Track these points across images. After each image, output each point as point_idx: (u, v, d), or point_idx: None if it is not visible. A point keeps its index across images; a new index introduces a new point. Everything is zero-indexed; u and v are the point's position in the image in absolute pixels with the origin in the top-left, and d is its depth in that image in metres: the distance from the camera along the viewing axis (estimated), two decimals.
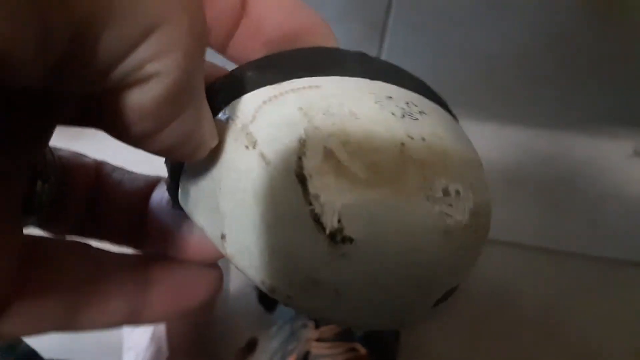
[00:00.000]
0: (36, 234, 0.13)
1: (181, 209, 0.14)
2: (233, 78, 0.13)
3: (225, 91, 0.13)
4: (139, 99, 0.10)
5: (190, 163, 0.14)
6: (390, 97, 0.13)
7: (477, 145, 0.15)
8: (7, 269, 0.12)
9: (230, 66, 0.14)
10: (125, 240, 0.17)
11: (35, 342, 0.46)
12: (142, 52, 0.09)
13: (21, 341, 0.45)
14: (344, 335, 0.45)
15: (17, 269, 0.12)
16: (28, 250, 0.12)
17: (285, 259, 0.12)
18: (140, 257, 0.16)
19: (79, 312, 0.13)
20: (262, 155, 0.12)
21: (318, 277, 0.12)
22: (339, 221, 0.11)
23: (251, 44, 0.14)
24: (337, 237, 0.11)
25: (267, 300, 0.53)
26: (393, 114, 0.12)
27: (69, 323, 0.13)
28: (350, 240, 0.11)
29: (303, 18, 0.14)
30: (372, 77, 0.13)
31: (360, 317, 0.13)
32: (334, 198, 0.11)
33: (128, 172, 0.17)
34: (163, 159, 0.14)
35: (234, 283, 0.57)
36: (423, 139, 0.12)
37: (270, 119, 0.12)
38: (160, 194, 0.16)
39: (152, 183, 0.17)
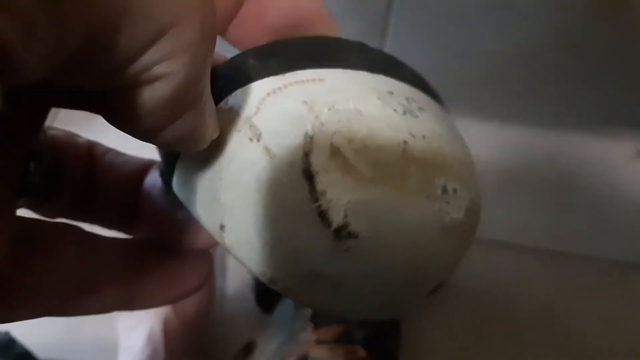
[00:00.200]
0: (29, 217, 0.13)
1: (175, 195, 0.14)
2: (235, 65, 0.13)
3: (227, 79, 0.13)
4: (146, 98, 0.09)
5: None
6: (392, 93, 0.13)
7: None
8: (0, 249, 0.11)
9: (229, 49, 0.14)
10: (117, 224, 0.16)
11: (30, 342, 0.46)
12: (152, 54, 0.09)
13: (16, 342, 0.45)
14: (344, 338, 0.44)
15: (10, 250, 0.12)
16: (21, 232, 0.12)
17: (288, 252, 0.12)
18: (132, 242, 0.15)
19: (71, 297, 0.13)
20: (267, 149, 0.12)
21: (320, 270, 0.12)
22: (345, 217, 0.12)
23: (252, 29, 0.14)
24: (342, 233, 0.12)
25: (265, 302, 0.53)
26: (395, 110, 0.13)
27: (61, 308, 0.13)
28: (355, 235, 0.12)
29: (308, 7, 0.14)
30: (373, 69, 0.14)
31: (357, 308, 0.14)
32: (340, 195, 0.11)
33: (121, 154, 0.17)
34: None
35: (232, 284, 0.56)
36: (423, 137, 0.13)
37: (275, 112, 0.12)
38: (154, 178, 0.16)
39: (145, 166, 0.16)
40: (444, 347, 0.53)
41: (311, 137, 0.12)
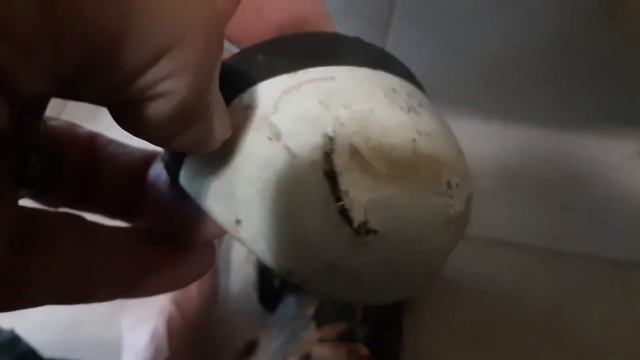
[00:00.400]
0: (30, 207, 0.13)
1: (181, 189, 0.14)
2: (243, 61, 0.14)
3: (237, 75, 0.13)
4: (151, 113, 0.10)
5: None
6: (394, 90, 0.14)
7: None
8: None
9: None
10: (120, 214, 0.16)
11: (35, 339, 0.46)
12: (153, 73, 0.09)
13: (20, 340, 0.45)
14: (346, 336, 0.44)
15: (11, 239, 0.12)
16: (21, 224, 0.12)
17: (306, 247, 0.13)
18: (134, 231, 0.16)
19: (72, 285, 0.13)
20: (287, 148, 0.12)
21: (338, 263, 0.13)
22: (365, 215, 0.12)
23: (250, 26, 0.14)
24: (362, 229, 0.12)
25: (268, 301, 0.53)
26: (401, 108, 0.13)
27: (63, 296, 0.13)
28: (374, 232, 0.12)
29: (306, 5, 0.14)
30: (373, 66, 0.14)
31: (370, 295, 0.15)
32: (361, 194, 0.12)
33: (123, 145, 0.17)
34: None
35: (235, 283, 0.56)
36: (428, 135, 0.13)
37: (293, 111, 0.13)
38: (158, 170, 0.16)
39: (148, 157, 0.16)
40: (444, 347, 0.54)
41: (332, 138, 0.12)
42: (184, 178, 0.14)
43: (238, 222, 0.13)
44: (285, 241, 0.13)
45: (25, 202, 0.14)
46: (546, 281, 0.57)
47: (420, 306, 0.55)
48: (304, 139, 0.12)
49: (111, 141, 0.16)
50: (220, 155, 0.13)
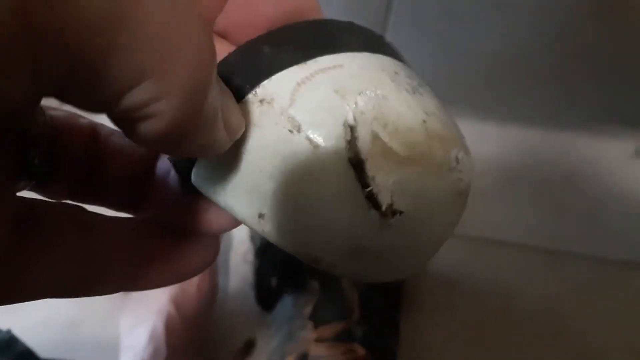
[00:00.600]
0: (30, 197, 0.13)
1: (191, 187, 0.14)
2: (250, 54, 0.14)
3: (246, 69, 0.13)
4: (143, 131, 0.10)
5: None
6: (397, 73, 0.14)
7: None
8: None
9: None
10: (124, 205, 0.16)
11: (33, 340, 0.46)
12: (138, 94, 0.09)
13: (17, 340, 0.45)
14: (343, 336, 0.44)
15: (10, 232, 0.12)
16: (21, 216, 0.12)
17: (333, 233, 0.13)
18: (137, 223, 0.15)
19: (74, 278, 0.13)
20: (309, 139, 0.12)
21: (365, 245, 0.13)
22: (391, 197, 0.13)
23: (241, 20, 0.14)
24: (389, 211, 0.13)
25: (265, 300, 0.53)
26: (407, 91, 0.14)
27: (65, 288, 0.13)
28: (400, 212, 0.13)
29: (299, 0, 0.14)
30: (373, 49, 0.14)
31: (388, 273, 0.15)
32: (385, 177, 0.13)
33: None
34: None
35: (233, 283, 0.56)
36: (434, 114, 0.14)
37: (311, 103, 0.13)
38: (166, 164, 0.16)
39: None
40: (442, 347, 0.53)
41: (353, 126, 0.12)
42: (196, 177, 0.14)
43: (261, 215, 0.13)
44: (312, 231, 0.13)
45: (26, 193, 0.13)
46: (546, 281, 0.57)
47: (418, 306, 0.54)
48: (325, 129, 0.12)
49: (114, 131, 0.16)
50: (237, 152, 0.13)
